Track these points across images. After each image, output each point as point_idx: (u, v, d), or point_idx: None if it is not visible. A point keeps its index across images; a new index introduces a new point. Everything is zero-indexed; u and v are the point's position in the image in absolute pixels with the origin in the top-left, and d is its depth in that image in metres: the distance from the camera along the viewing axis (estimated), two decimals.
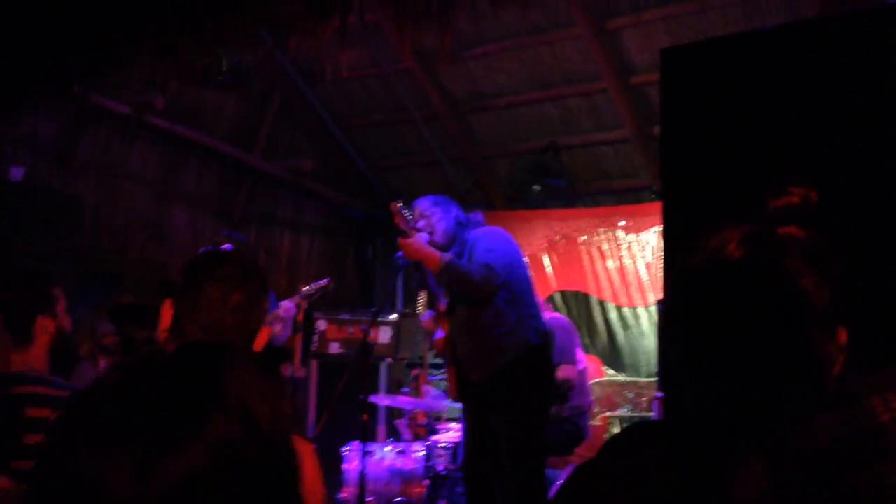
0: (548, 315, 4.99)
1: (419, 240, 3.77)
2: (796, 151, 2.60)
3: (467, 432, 3.93)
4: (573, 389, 5.11)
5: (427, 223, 3.90)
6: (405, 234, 3.77)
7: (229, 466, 0.86)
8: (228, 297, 1.63)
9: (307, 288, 4.84)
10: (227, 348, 1.02)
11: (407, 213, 3.86)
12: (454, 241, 3.89)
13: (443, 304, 3.96)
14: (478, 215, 4.11)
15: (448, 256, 3.73)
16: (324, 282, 4.89)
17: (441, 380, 7.07)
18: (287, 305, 4.59)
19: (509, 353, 3.76)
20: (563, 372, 5.03)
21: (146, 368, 0.95)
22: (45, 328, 2.20)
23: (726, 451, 0.49)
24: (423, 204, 3.98)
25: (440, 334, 3.95)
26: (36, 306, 2.21)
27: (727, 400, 0.66)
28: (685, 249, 1.19)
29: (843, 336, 1.06)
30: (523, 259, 4.00)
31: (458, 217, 3.94)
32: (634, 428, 1.02)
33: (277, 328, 4.73)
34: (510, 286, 3.78)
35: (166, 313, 1.69)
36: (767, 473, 0.45)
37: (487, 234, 3.93)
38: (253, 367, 0.97)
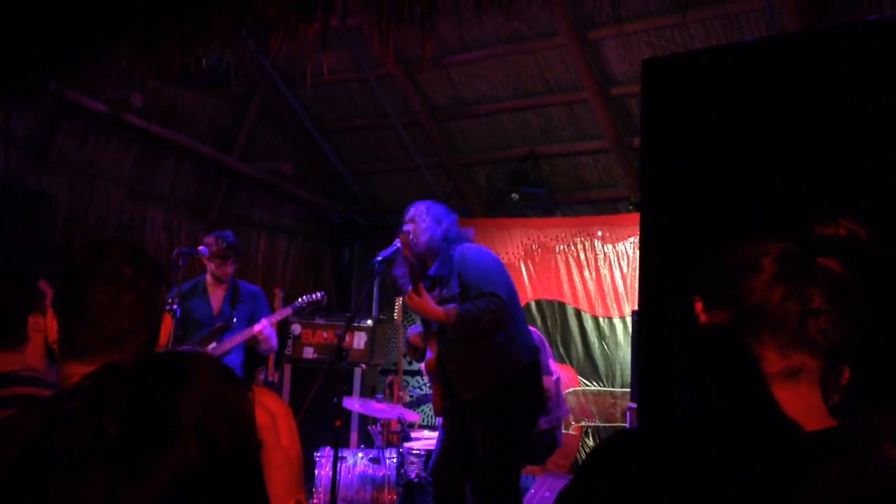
0: None
1: (427, 301, 3.72)
2: (776, 164, 2.61)
3: (444, 439, 3.91)
4: (551, 401, 5.11)
5: (413, 228, 3.88)
6: (415, 285, 3.73)
7: (193, 491, 0.84)
8: (119, 299, 1.46)
9: (299, 301, 4.81)
10: (175, 364, 0.98)
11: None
12: (436, 254, 3.86)
13: (434, 325, 3.92)
14: (469, 232, 4.08)
15: (455, 310, 3.68)
16: (317, 296, 4.86)
17: (415, 388, 7.05)
18: (262, 329, 4.52)
19: (501, 374, 3.75)
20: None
21: (103, 395, 0.92)
22: (37, 326, 2.09)
23: (728, 484, 0.47)
24: (418, 209, 3.95)
25: (430, 354, 3.91)
26: (27, 305, 2.10)
27: (724, 416, 0.65)
28: (720, 250, 1.18)
29: (846, 374, 1.06)
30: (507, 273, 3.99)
31: (448, 232, 3.90)
32: (615, 443, 1.00)
33: (260, 347, 4.68)
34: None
35: (51, 324, 1.51)
36: None
37: (477, 255, 3.87)
38: (204, 380, 0.94)
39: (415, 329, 4.11)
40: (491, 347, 3.75)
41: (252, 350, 5.00)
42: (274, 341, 4.65)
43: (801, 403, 1.02)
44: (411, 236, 3.85)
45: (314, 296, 4.85)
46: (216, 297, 4.75)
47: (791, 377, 1.05)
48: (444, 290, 3.81)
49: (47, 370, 2.12)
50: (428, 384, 6.99)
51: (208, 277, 4.76)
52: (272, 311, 4.87)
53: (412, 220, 3.89)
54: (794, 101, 2.58)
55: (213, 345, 4.57)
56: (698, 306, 1.20)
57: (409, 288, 3.78)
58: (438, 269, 3.85)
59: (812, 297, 1.10)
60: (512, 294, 3.87)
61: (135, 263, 1.51)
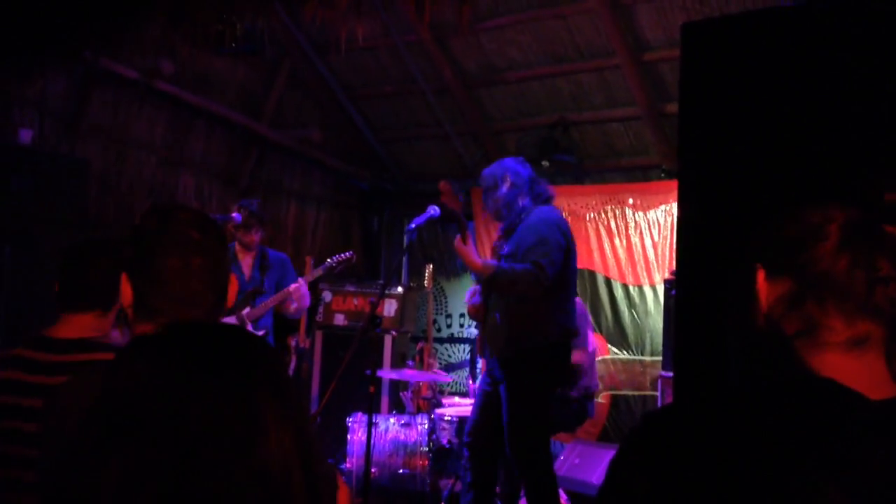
0: None
1: (468, 250, 3.81)
2: (817, 131, 2.56)
3: (477, 403, 3.97)
4: (584, 373, 5.12)
5: (493, 197, 3.97)
6: (462, 233, 3.82)
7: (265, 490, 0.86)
8: (189, 263, 1.51)
9: (329, 261, 4.85)
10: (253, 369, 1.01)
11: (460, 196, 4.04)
12: (507, 212, 3.94)
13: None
14: (544, 188, 4.07)
15: (493, 266, 3.77)
16: (347, 255, 4.90)
17: (442, 355, 7.08)
18: (299, 287, 4.59)
19: (529, 342, 3.77)
20: (575, 357, 5.03)
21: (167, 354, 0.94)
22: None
23: (762, 460, 0.47)
24: (487, 176, 4.03)
25: (477, 299, 3.99)
26: (118, 271, 2.16)
27: (777, 381, 0.64)
28: (782, 215, 1.17)
29: None
30: (574, 249, 3.98)
31: (513, 189, 3.95)
32: (658, 419, 1.00)
33: (292, 307, 4.74)
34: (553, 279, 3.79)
35: (125, 289, 1.56)
36: (843, 497, 0.42)
37: (540, 222, 3.89)
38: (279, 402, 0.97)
39: (470, 292, 4.13)
40: (526, 314, 3.77)
41: (280, 316, 5.04)
42: (307, 300, 4.73)
43: (868, 372, 1.01)
44: (492, 202, 3.97)
45: (344, 255, 4.88)
46: (246, 263, 4.82)
47: (857, 346, 1.04)
48: (508, 248, 3.89)
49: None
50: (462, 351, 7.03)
51: (236, 245, 4.82)
52: (300, 277, 4.92)
53: (487, 191, 3.98)
54: (836, 65, 2.53)
55: (247, 309, 4.62)
56: (760, 274, 1.18)
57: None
58: (507, 225, 3.96)
59: (880, 264, 1.09)
60: (567, 267, 3.87)
61: (202, 228, 1.56)
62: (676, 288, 3.02)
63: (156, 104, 6.41)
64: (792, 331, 1.11)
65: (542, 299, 3.77)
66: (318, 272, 4.77)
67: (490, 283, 3.76)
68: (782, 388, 0.77)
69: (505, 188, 3.92)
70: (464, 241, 3.82)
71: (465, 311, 6.20)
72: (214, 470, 0.98)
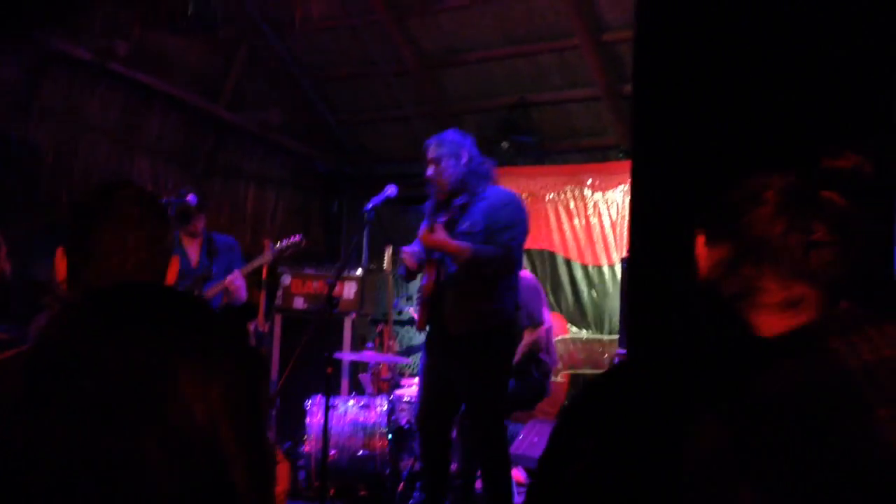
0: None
1: (442, 235, 3.74)
2: (772, 106, 2.58)
3: (426, 384, 3.94)
4: (541, 350, 5.16)
5: (435, 171, 3.85)
6: (430, 222, 3.74)
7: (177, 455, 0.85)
8: (126, 238, 1.48)
9: (279, 245, 4.78)
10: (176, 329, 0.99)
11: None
12: (462, 189, 3.84)
13: (436, 254, 3.91)
14: (491, 164, 4.02)
15: (470, 249, 3.71)
16: (296, 238, 4.83)
17: (403, 338, 7.08)
18: (233, 280, 4.50)
19: (492, 319, 3.79)
20: (534, 334, 5.06)
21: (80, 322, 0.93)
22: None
23: (681, 407, 0.48)
24: (432, 149, 3.90)
25: (426, 280, 3.93)
26: None
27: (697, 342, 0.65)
28: (725, 182, 1.18)
29: (844, 307, 1.06)
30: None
31: (471, 162, 3.87)
32: (598, 381, 1.01)
33: (232, 297, 4.67)
34: None
35: (60, 263, 1.52)
36: (725, 429, 0.43)
37: (509, 204, 3.87)
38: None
39: (410, 248, 4.03)
40: (491, 290, 3.78)
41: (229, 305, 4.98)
42: (243, 293, 4.62)
43: None
44: (434, 176, 3.84)
45: (293, 238, 4.81)
46: (192, 249, 4.74)
47: (791, 308, 1.06)
48: (466, 224, 3.80)
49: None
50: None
51: (181, 233, 4.75)
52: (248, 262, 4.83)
53: (432, 162, 3.86)
54: (790, 38, 2.54)
55: (196, 294, 4.56)
56: (700, 240, 1.20)
57: (425, 224, 3.82)
58: (464, 200, 3.85)
59: (815, 229, 1.11)
60: (522, 251, 3.92)
61: (143, 205, 1.53)
62: (629, 264, 3.05)
63: (110, 86, 6.29)
64: (729, 293, 1.13)
65: (500, 277, 3.78)
66: (267, 257, 4.70)
67: (467, 264, 3.72)
68: (702, 349, 0.78)
69: (465, 161, 3.86)
70: (430, 228, 3.75)
71: None
72: (125, 428, 0.97)
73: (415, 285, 7.41)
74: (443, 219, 3.82)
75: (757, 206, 1.14)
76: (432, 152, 3.88)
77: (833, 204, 1.12)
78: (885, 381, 0.37)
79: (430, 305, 3.88)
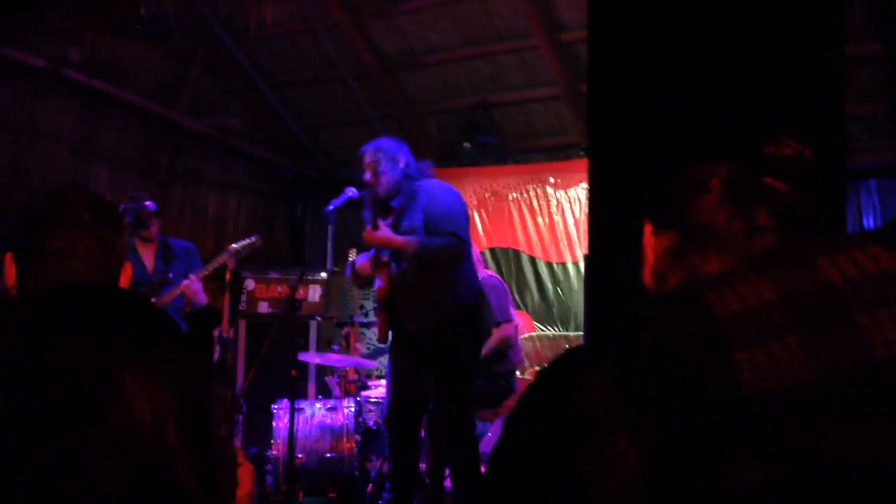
0: (483, 273, 5.03)
1: (385, 231, 3.76)
2: (722, 100, 2.63)
3: (393, 384, 3.94)
4: (510, 347, 5.18)
5: (372, 174, 3.86)
6: (373, 221, 3.75)
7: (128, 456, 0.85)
8: (75, 244, 1.45)
9: (234, 246, 4.76)
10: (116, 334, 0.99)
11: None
12: (398, 192, 3.86)
13: (384, 255, 3.93)
14: (427, 165, 4.07)
15: (415, 242, 3.72)
16: (251, 239, 4.81)
17: (371, 340, 7.07)
18: (189, 284, 4.46)
19: (449, 312, 3.80)
20: (503, 331, 5.08)
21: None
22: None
23: (575, 367, 0.49)
24: (370, 154, 3.91)
25: (379, 283, 3.94)
26: None
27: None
28: (671, 174, 1.20)
29: None
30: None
31: (407, 167, 3.90)
32: (547, 372, 1.03)
33: (192, 302, 4.63)
34: None
35: (9, 268, 1.49)
36: (608, 380, 0.45)
37: (445, 194, 3.91)
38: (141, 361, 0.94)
39: (363, 257, 4.06)
40: (443, 283, 3.79)
41: (204, 309, 4.93)
42: (201, 296, 4.59)
43: None
44: (371, 180, 3.85)
45: (248, 239, 4.78)
46: (147, 255, 4.70)
47: None
48: (406, 223, 3.83)
49: None
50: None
51: (136, 238, 4.71)
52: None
53: (371, 168, 3.87)
54: (746, 40, 2.59)
55: (153, 300, 4.52)
56: (648, 229, 1.22)
57: (368, 225, 3.82)
58: (401, 202, 3.87)
59: (757, 215, 1.13)
60: (468, 234, 3.93)
61: (94, 210, 1.50)
62: (589, 261, 3.08)
63: (65, 93, 6.21)
64: (676, 282, 1.15)
65: (451, 268, 3.80)
66: (223, 258, 4.66)
67: (414, 258, 3.75)
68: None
69: (401, 165, 3.90)
70: (374, 226, 3.76)
71: None
72: (70, 429, 0.96)
73: None
74: (387, 221, 3.85)
75: (702, 194, 1.16)
76: (369, 157, 3.89)
77: (774, 190, 1.15)
78: (747, 327, 0.40)
79: (387, 309, 3.90)
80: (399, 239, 3.76)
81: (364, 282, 4.07)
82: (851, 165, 6.15)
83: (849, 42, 5.34)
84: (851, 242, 0.44)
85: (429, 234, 3.78)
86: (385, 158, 3.87)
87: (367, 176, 3.88)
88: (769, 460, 0.39)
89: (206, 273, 4.58)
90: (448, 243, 3.74)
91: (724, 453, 0.40)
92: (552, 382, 0.51)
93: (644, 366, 0.44)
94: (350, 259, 5.54)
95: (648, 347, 0.45)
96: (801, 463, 0.39)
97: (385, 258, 3.91)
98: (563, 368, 0.51)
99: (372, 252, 3.96)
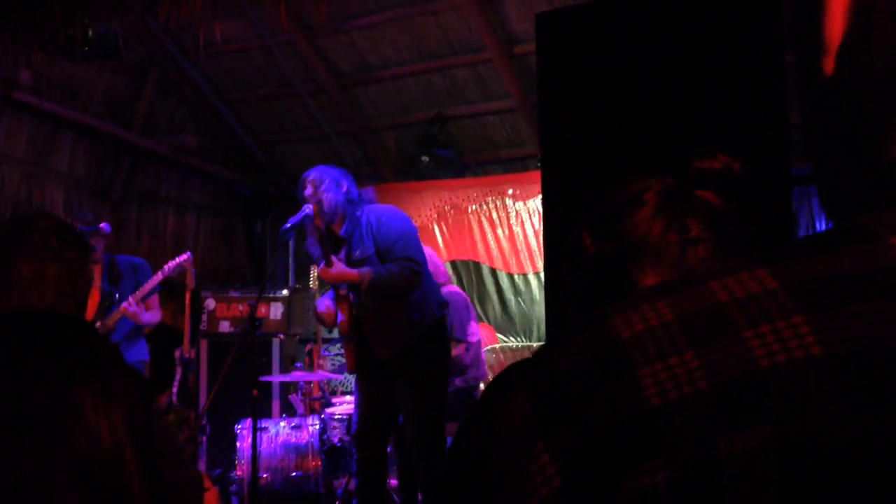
0: (446, 290, 5.04)
1: (339, 267, 3.73)
2: (670, 110, 2.68)
3: (362, 399, 3.94)
4: (468, 365, 5.19)
5: (313, 194, 3.85)
6: (326, 257, 3.72)
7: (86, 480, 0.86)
8: (44, 271, 1.46)
9: (166, 267, 4.68)
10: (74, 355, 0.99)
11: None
12: (343, 216, 3.86)
13: (342, 288, 3.91)
14: (369, 192, 4.10)
15: (370, 273, 3.71)
16: (183, 258, 4.73)
17: (337, 355, 7.04)
18: (128, 307, 4.40)
19: (418, 329, 3.81)
20: (454, 350, 5.10)
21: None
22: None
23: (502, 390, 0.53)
24: (313, 174, 3.92)
25: (341, 317, 3.92)
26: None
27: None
28: (614, 186, 1.23)
29: None
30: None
31: (350, 193, 3.89)
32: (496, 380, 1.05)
33: (140, 324, 4.57)
34: None
35: None
36: (527, 401, 0.49)
37: (393, 218, 3.90)
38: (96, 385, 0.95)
39: (322, 301, 4.09)
40: (407, 305, 3.80)
41: (165, 326, 4.88)
42: (145, 318, 4.53)
43: None
44: (313, 202, 3.83)
45: (180, 258, 4.72)
46: (94, 275, 4.62)
47: None
48: (358, 252, 3.82)
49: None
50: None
51: None
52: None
53: (313, 186, 3.87)
54: (690, 51, 2.65)
55: (98, 323, 4.44)
56: (587, 241, 1.25)
57: (322, 262, 3.79)
58: (347, 229, 3.86)
59: (690, 227, 1.16)
60: (423, 255, 3.93)
61: (61, 236, 1.52)
62: (545, 270, 3.11)
63: (15, 116, 6.12)
64: (614, 293, 1.18)
65: (409, 290, 3.81)
66: (158, 278, 4.59)
67: (371, 291, 3.74)
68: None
69: (343, 191, 3.89)
70: (328, 263, 3.73)
71: None
72: (23, 454, 0.96)
73: None
74: (340, 255, 3.84)
75: (638, 207, 1.20)
76: (312, 176, 3.88)
77: (706, 203, 1.19)
78: (650, 345, 0.45)
79: (353, 340, 3.90)
80: (353, 273, 3.73)
81: (331, 321, 4.08)
82: (801, 172, 6.28)
83: (793, 49, 5.47)
84: (739, 267, 0.48)
85: (382, 260, 3.76)
86: (328, 179, 3.85)
87: (308, 191, 3.85)
88: (669, 463, 0.42)
89: (141, 295, 4.51)
90: (402, 268, 3.74)
91: (631, 461, 0.43)
92: (486, 402, 0.55)
93: (557, 386, 0.48)
94: (312, 273, 5.53)
95: (560, 369, 0.49)
96: (697, 464, 0.42)
97: (343, 291, 3.89)
98: (495, 388, 0.54)
99: (331, 293, 3.98)
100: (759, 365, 0.44)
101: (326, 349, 6.32)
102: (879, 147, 0.53)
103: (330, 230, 3.88)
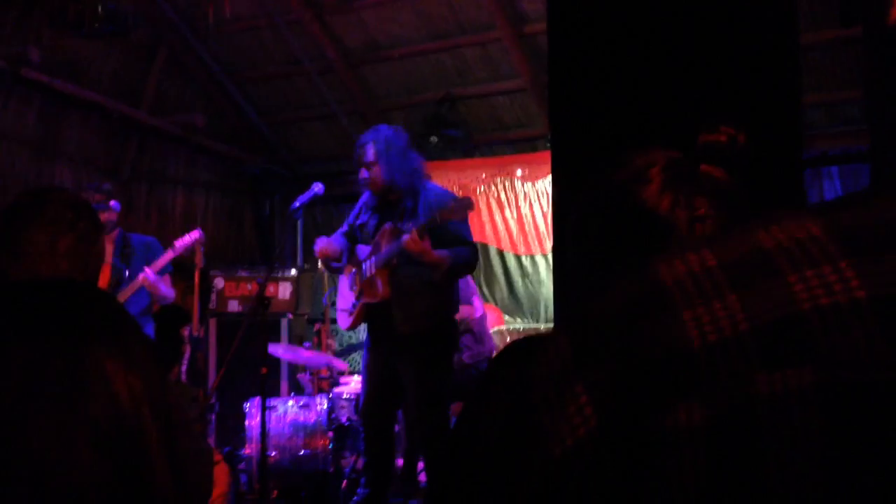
0: None
1: (428, 245, 3.56)
2: (682, 88, 2.66)
3: (370, 378, 3.91)
4: (476, 339, 5.19)
5: (377, 169, 3.71)
6: (420, 231, 3.54)
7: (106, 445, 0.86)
8: (57, 241, 1.47)
9: (177, 244, 4.67)
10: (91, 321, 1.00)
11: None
12: (399, 188, 3.73)
13: (396, 258, 3.80)
14: (422, 161, 3.91)
15: (449, 258, 3.62)
16: (194, 234, 4.71)
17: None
18: (146, 276, 4.39)
19: (443, 315, 3.79)
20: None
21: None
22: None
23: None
24: (376, 147, 3.71)
25: (381, 286, 3.80)
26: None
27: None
28: (614, 163, 1.22)
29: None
30: None
31: (414, 162, 3.77)
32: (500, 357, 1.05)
33: (156, 297, 4.56)
34: None
35: None
36: (569, 344, 0.50)
37: (449, 200, 3.77)
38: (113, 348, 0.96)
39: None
40: (446, 289, 3.77)
41: (175, 305, 4.89)
42: (164, 290, 4.50)
43: None
44: (372, 173, 3.70)
45: (192, 235, 4.70)
46: (106, 250, 4.61)
47: None
48: (411, 223, 3.69)
49: None
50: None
51: None
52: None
53: (375, 151, 3.70)
54: (692, 25, 2.62)
55: None
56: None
57: (373, 232, 3.74)
58: (407, 201, 3.76)
59: (698, 203, 1.15)
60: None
61: (77, 209, 1.53)
62: (554, 251, 3.11)
63: (24, 94, 6.12)
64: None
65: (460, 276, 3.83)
66: (169, 255, 4.57)
67: (447, 273, 3.66)
68: None
69: (406, 155, 3.73)
70: (420, 236, 3.53)
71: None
72: (45, 420, 0.97)
73: None
74: (411, 225, 3.66)
75: (644, 183, 1.18)
76: (372, 150, 3.71)
77: (711, 177, 1.17)
78: (692, 289, 0.46)
79: (376, 306, 3.81)
80: (435, 254, 3.59)
81: (332, 263, 3.97)
82: (813, 153, 6.24)
83: (808, 29, 5.43)
84: (786, 216, 0.50)
85: (432, 235, 3.61)
86: (394, 147, 3.70)
87: (369, 156, 3.67)
88: (706, 402, 0.44)
89: (157, 268, 4.49)
90: (472, 256, 3.73)
91: (667, 399, 0.45)
92: (520, 350, 0.56)
93: (600, 328, 0.50)
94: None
95: (604, 312, 0.50)
96: (736, 402, 0.44)
97: (395, 261, 3.76)
98: (529, 340, 0.55)
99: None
100: (801, 308, 0.45)
101: (334, 330, 6.34)
102: None
103: (386, 198, 3.79)
